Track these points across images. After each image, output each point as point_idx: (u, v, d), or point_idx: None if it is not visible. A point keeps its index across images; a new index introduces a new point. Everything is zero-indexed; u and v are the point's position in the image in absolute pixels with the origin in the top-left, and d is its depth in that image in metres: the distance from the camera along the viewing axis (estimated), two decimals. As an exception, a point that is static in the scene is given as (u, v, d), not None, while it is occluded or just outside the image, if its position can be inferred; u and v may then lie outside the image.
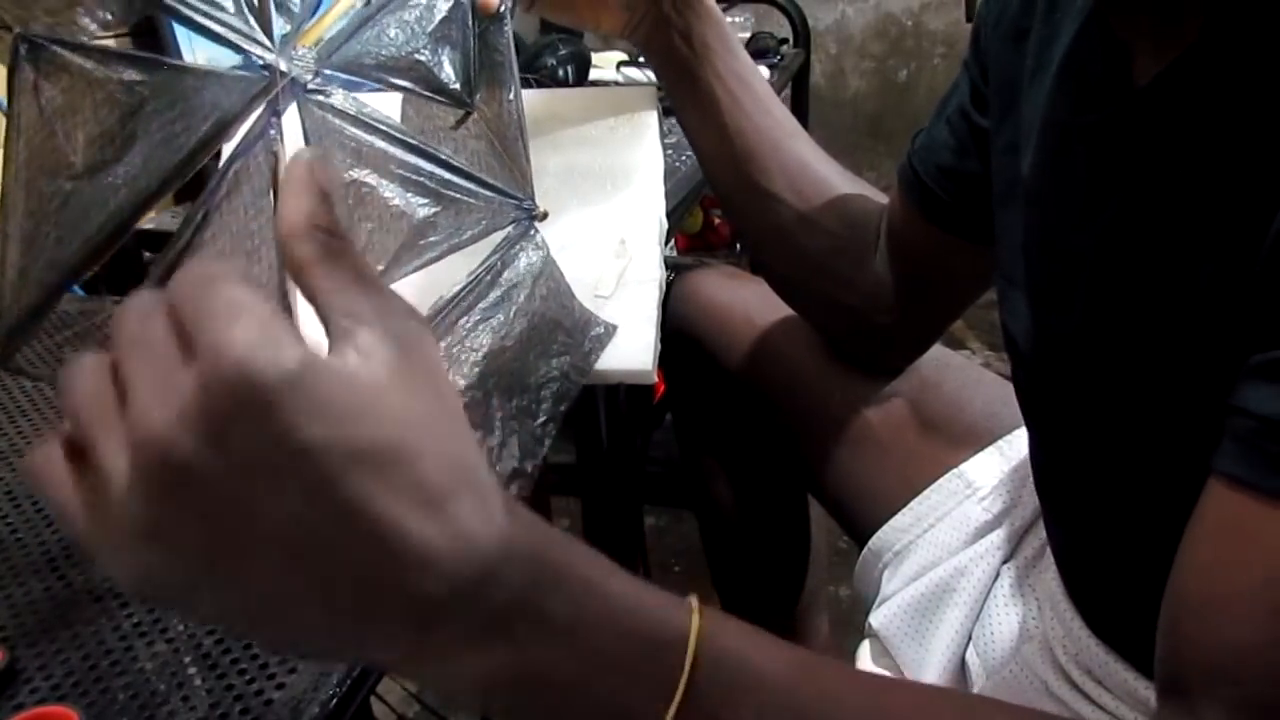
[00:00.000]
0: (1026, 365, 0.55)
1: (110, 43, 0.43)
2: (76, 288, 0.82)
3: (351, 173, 0.48)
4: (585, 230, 0.63)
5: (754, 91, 0.70)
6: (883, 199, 0.74)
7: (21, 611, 0.47)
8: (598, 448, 0.89)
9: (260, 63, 0.45)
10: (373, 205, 0.48)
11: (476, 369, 0.51)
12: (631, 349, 0.60)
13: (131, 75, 0.41)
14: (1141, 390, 0.44)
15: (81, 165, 0.40)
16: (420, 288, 0.53)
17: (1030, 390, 0.56)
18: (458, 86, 0.53)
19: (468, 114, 0.54)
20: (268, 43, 0.45)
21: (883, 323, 0.73)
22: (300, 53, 0.47)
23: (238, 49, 0.44)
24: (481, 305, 0.53)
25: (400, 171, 0.50)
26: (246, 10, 0.45)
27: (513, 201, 0.55)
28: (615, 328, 0.60)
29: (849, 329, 0.76)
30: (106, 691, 0.42)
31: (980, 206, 0.61)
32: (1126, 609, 0.51)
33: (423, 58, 0.51)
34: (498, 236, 0.54)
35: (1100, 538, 0.51)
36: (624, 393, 0.90)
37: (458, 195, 0.52)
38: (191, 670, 0.43)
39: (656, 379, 0.63)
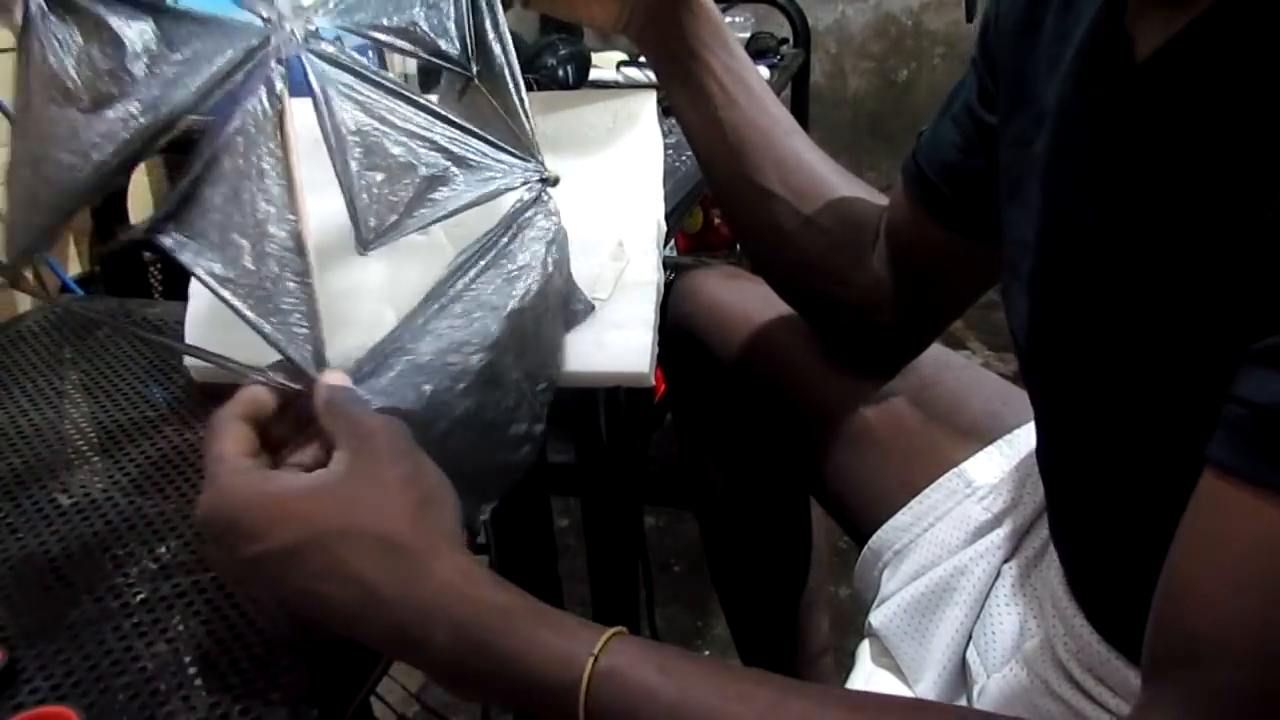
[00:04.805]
0: (1025, 356, 0.54)
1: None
2: (76, 287, 0.83)
3: (357, 119, 0.49)
4: (583, 232, 0.62)
5: (748, 89, 0.70)
6: (882, 199, 0.73)
7: (22, 612, 0.47)
8: (598, 448, 0.89)
9: (264, 15, 0.47)
10: (380, 155, 0.50)
11: (497, 328, 0.52)
12: (629, 351, 0.60)
13: (138, 18, 0.44)
14: (1139, 375, 0.43)
15: (89, 100, 0.42)
16: (442, 250, 0.55)
17: (1032, 380, 0.56)
18: (457, 53, 0.54)
19: (469, 80, 0.56)
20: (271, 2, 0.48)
21: (880, 321, 0.73)
22: (306, 2, 0.49)
23: (246, 9, 0.47)
24: (497, 268, 0.54)
25: (407, 126, 0.51)
26: None
27: (522, 163, 0.55)
28: (593, 308, 0.61)
29: (846, 327, 0.76)
30: (106, 691, 0.42)
31: (984, 204, 0.61)
32: (1130, 604, 0.51)
33: (420, 22, 0.53)
34: (510, 198, 0.55)
35: (1105, 530, 0.51)
36: (624, 393, 0.90)
37: (466, 153, 0.52)
38: (191, 670, 0.43)
39: (655, 381, 0.63)
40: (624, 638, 0.40)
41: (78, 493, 0.56)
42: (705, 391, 0.88)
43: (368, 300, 0.56)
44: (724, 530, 0.97)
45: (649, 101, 0.72)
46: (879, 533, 0.72)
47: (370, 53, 0.82)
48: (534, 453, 0.54)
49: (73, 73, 0.43)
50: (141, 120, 0.43)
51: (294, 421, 0.46)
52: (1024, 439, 0.70)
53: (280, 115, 0.47)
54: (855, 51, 2.65)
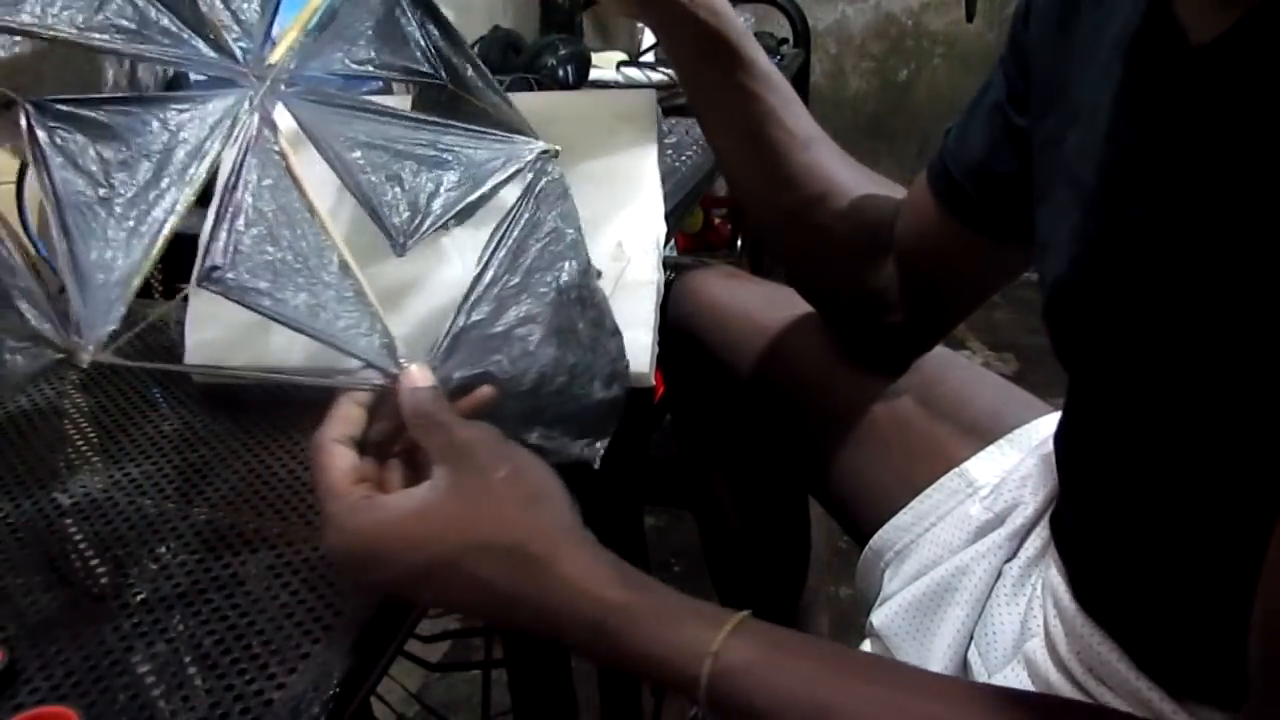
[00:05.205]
0: (1053, 339, 0.53)
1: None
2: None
3: (356, 144, 0.52)
4: (583, 232, 0.63)
5: (764, 103, 0.70)
6: (900, 191, 0.73)
7: (22, 611, 0.47)
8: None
9: (241, 78, 0.51)
10: (388, 170, 0.52)
11: (551, 290, 0.55)
12: (629, 352, 0.60)
13: (129, 111, 0.47)
14: (1173, 369, 0.43)
15: (110, 192, 0.46)
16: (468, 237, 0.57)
17: (1063, 362, 0.54)
18: (426, 68, 0.56)
19: (443, 87, 0.58)
20: (241, 65, 0.51)
21: (893, 319, 0.73)
22: (274, 60, 0.52)
23: (221, 79, 0.51)
24: (532, 237, 0.56)
25: (403, 138, 0.53)
26: (213, 48, 0.51)
27: (519, 142, 0.57)
28: (600, 274, 0.62)
29: (858, 324, 0.76)
30: (106, 691, 0.42)
31: (1010, 206, 0.61)
32: (1134, 603, 0.51)
33: (381, 54, 0.56)
34: (520, 176, 0.57)
35: (1116, 524, 0.51)
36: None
37: (465, 147, 0.55)
38: (191, 670, 0.43)
39: (655, 382, 0.63)
40: (742, 631, 0.42)
41: (78, 493, 0.56)
42: (704, 392, 0.88)
43: (418, 295, 0.59)
44: (723, 530, 0.97)
45: (649, 101, 0.71)
46: (880, 532, 0.72)
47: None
48: (624, 386, 0.58)
49: (88, 173, 0.46)
50: (165, 199, 0.46)
51: (388, 416, 0.49)
52: (1025, 438, 0.70)
53: (284, 157, 0.49)
54: (855, 51, 2.65)
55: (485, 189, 0.55)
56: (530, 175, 0.57)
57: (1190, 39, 0.42)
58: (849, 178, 0.72)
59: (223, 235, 0.46)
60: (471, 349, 0.52)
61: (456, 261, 0.60)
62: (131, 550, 0.51)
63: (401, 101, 0.64)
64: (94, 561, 0.51)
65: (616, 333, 0.58)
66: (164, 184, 0.47)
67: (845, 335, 0.78)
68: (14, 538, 0.53)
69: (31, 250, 0.80)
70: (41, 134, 0.45)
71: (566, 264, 0.56)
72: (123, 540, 0.52)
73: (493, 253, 0.54)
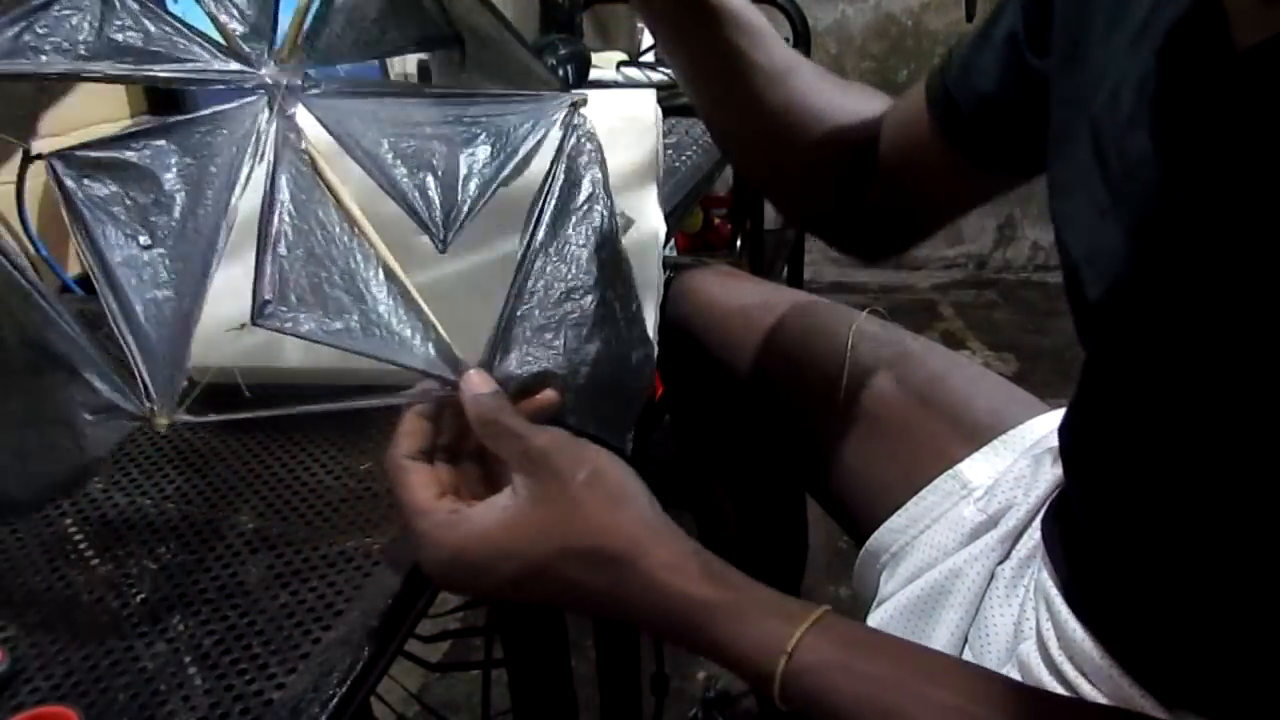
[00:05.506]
0: (1076, 323, 0.53)
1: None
2: (76, 287, 0.83)
3: (383, 134, 0.51)
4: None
5: (734, 46, 0.68)
6: (884, 100, 0.74)
7: (23, 611, 0.47)
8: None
9: (256, 85, 0.49)
10: (419, 158, 0.51)
11: (593, 265, 0.54)
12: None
13: (153, 144, 0.47)
14: (1193, 368, 0.42)
15: (150, 236, 0.46)
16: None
17: (1084, 344, 0.53)
18: (439, 29, 0.55)
19: (461, 46, 0.56)
20: (253, 69, 0.50)
21: (880, 230, 0.76)
22: (285, 57, 0.51)
23: (235, 88, 0.49)
24: (570, 211, 0.55)
25: (428, 119, 0.52)
26: (223, 53, 0.49)
27: (546, 98, 0.56)
28: (633, 222, 0.61)
29: (849, 238, 0.79)
30: (106, 691, 0.42)
31: (1003, 137, 0.62)
32: (1129, 606, 0.51)
33: (389, 18, 0.54)
34: (551, 135, 0.55)
35: (1123, 522, 0.51)
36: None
37: (493, 116, 0.54)
38: (191, 670, 0.43)
39: (655, 380, 0.63)
40: (819, 629, 0.44)
41: (77, 493, 0.56)
42: (702, 392, 0.88)
43: (464, 285, 0.58)
44: (722, 530, 0.98)
45: (649, 101, 0.71)
46: (875, 535, 0.72)
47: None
48: (651, 375, 0.57)
49: (124, 218, 0.45)
50: (204, 235, 0.46)
51: (454, 423, 0.50)
52: (1019, 439, 0.70)
53: (313, 164, 0.48)
54: (855, 51, 2.65)
55: (519, 158, 0.53)
56: (562, 134, 0.55)
57: (1236, 38, 0.40)
58: (828, 102, 0.71)
59: (268, 267, 0.45)
60: (526, 343, 0.51)
61: (497, 239, 0.58)
62: (131, 550, 0.51)
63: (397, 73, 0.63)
64: (94, 562, 0.51)
65: (639, 307, 0.57)
66: (201, 218, 0.46)
67: (833, 241, 0.80)
68: (14, 537, 0.53)
69: (32, 250, 0.80)
70: (71, 185, 0.45)
71: (605, 234, 0.55)
72: (123, 540, 0.52)
73: (533, 231, 0.52)
